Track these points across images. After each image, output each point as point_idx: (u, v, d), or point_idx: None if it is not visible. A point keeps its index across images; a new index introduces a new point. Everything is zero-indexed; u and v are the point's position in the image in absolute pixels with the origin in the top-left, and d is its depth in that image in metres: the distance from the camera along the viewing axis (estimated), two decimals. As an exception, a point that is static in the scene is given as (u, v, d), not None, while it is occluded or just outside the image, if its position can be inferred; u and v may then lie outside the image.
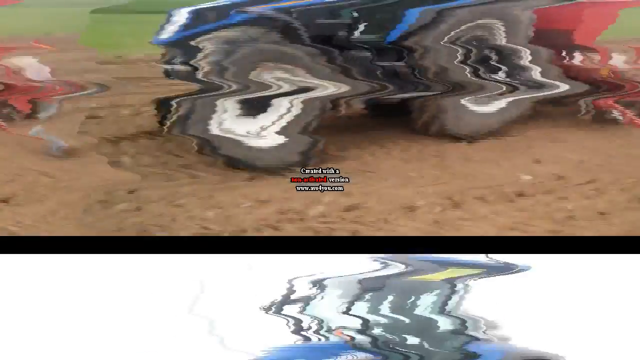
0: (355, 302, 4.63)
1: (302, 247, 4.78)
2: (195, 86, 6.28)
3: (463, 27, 6.94)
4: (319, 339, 4.65)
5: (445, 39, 6.89)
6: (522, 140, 7.20)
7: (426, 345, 4.59)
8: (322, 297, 4.66)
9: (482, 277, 4.68)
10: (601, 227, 5.24)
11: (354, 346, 4.59)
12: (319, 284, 4.70)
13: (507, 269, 4.74)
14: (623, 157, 6.74)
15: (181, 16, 6.69)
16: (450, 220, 5.30)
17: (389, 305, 4.65)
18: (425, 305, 4.71)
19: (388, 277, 4.65)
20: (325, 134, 6.57)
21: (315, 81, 6.35)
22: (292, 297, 4.60)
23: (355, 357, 4.58)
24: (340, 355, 4.56)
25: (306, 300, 4.63)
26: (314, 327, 4.62)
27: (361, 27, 6.61)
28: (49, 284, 4.47)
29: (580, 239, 5.07)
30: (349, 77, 6.53)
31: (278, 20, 6.40)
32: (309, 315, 4.60)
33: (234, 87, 6.13)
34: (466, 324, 4.68)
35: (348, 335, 4.65)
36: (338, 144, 6.91)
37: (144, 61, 10.17)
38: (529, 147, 7.01)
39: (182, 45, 6.43)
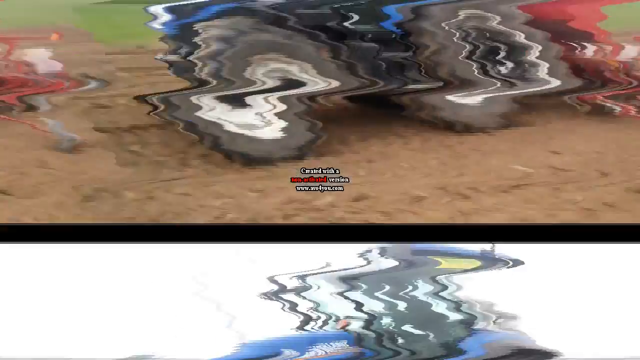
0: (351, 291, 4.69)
1: (308, 235, 4.83)
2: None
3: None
4: (320, 328, 4.73)
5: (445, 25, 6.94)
6: (529, 132, 7.20)
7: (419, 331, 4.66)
8: (319, 287, 4.74)
9: (476, 270, 4.78)
10: (613, 218, 5.31)
11: (354, 337, 4.68)
12: (321, 273, 4.79)
13: (500, 260, 4.80)
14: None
15: (158, 12, 6.71)
16: (459, 211, 5.36)
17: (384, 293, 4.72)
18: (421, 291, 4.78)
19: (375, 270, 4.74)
20: (328, 125, 6.59)
21: (305, 76, 6.41)
22: (288, 286, 4.68)
23: (336, 348, 4.65)
24: (321, 344, 4.64)
25: (304, 289, 4.73)
26: (315, 316, 4.71)
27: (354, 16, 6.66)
28: (60, 272, 4.53)
29: (581, 227, 5.12)
30: (345, 69, 6.58)
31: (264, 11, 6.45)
32: (309, 303, 4.68)
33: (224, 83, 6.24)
34: (460, 308, 4.76)
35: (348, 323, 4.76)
36: (342, 136, 6.94)
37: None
38: (544, 138, 7.02)
39: (179, 38, 6.51)
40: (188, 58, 6.31)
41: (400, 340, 4.67)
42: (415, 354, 4.61)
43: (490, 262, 4.79)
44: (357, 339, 4.63)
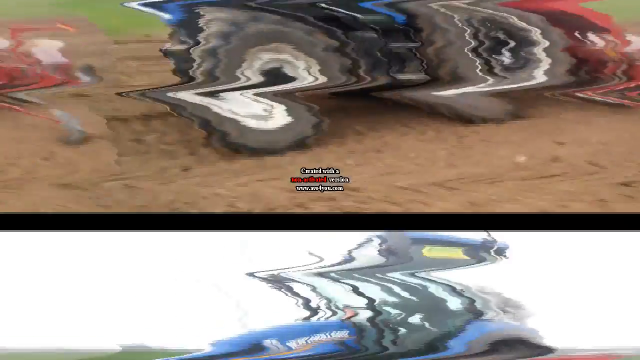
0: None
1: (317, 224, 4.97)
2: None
3: None
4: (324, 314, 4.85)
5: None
6: (539, 123, 7.27)
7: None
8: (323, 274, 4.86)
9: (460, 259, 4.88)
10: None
11: (354, 325, 4.79)
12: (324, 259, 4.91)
13: (486, 246, 4.89)
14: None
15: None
16: (464, 200, 5.45)
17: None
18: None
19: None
20: (335, 115, 6.71)
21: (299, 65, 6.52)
22: (294, 273, 4.81)
23: (331, 336, 4.76)
24: (317, 333, 4.75)
25: (305, 276, 4.85)
26: (318, 303, 4.83)
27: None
28: (62, 261, 4.64)
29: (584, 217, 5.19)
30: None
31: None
32: (311, 289, 4.82)
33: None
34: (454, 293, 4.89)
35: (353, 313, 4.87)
36: (350, 125, 7.06)
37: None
38: (552, 129, 7.08)
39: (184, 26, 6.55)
40: (190, 51, 6.32)
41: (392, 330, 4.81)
42: (397, 344, 4.74)
43: (475, 251, 4.89)
44: (357, 330, 4.75)
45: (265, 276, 4.74)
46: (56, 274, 4.61)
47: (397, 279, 4.85)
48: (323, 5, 6.65)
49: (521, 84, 7.29)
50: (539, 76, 7.31)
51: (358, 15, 6.78)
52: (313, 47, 6.46)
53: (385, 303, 4.83)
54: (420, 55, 6.97)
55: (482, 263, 4.87)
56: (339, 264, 4.79)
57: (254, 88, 6.37)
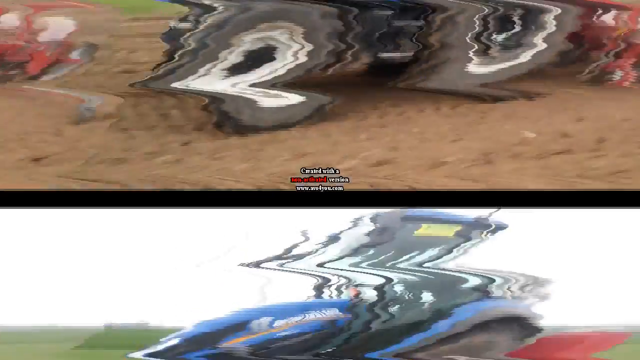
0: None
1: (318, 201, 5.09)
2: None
3: None
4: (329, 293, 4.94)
5: None
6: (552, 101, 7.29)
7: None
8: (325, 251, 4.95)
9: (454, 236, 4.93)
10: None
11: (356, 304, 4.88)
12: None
13: (483, 224, 4.94)
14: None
15: None
16: (480, 176, 5.44)
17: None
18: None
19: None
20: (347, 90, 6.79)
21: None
22: (294, 251, 4.90)
23: (324, 314, 4.84)
24: (310, 312, 4.84)
25: (306, 254, 4.95)
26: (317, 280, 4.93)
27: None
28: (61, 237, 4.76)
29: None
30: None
31: None
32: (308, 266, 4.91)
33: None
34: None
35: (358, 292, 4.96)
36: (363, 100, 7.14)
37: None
38: (566, 106, 7.08)
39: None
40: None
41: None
42: (386, 322, 4.83)
43: (471, 228, 4.94)
44: (350, 307, 4.83)
45: (269, 256, 4.86)
46: (46, 249, 4.77)
47: (405, 259, 4.97)
48: None
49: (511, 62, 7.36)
50: (529, 56, 7.37)
51: None
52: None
53: (391, 282, 4.93)
54: (420, 36, 7.04)
55: (479, 241, 4.96)
56: (325, 243, 4.90)
57: (236, 69, 6.45)
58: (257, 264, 4.86)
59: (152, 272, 4.79)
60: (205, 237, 4.81)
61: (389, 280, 4.93)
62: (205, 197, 5.13)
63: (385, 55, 7.04)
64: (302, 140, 6.16)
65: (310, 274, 4.95)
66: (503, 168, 5.56)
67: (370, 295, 4.92)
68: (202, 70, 6.33)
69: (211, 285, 4.75)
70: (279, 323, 4.76)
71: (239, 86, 6.42)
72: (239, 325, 4.78)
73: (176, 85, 6.30)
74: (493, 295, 4.98)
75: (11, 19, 7.31)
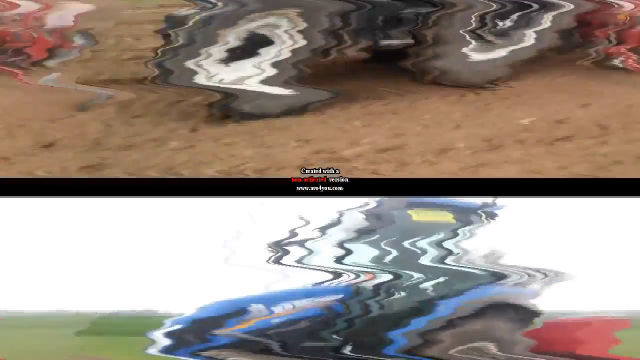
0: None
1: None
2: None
3: None
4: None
5: None
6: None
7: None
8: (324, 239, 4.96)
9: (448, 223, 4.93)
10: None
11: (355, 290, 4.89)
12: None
13: (475, 209, 4.93)
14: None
15: None
16: (484, 163, 5.43)
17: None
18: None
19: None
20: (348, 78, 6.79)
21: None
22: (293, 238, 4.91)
23: (319, 300, 4.85)
24: (310, 298, 4.85)
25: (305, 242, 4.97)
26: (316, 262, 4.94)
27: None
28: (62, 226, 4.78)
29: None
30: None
31: None
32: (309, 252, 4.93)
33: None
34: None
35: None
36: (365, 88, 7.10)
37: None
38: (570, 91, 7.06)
39: None
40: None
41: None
42: (384, 308, 4.83)
43: (465, 215, 4.94)
44: (355, 292, 4.84)
45: (270, 242, 4.87)
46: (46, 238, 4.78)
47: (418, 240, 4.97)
48: None
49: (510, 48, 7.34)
50: (529, 39, 7.35)
51: None
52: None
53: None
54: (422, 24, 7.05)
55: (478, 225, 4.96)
56: (325, 229, 4.91)
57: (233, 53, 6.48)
58: (258, 250, 4.85)
59: (153, 260, 4.79)
60: (202, 226, 4.81)
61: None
62: (202, 186, 5.13)
63: (387, 42, 7.03)
64: (306, 127, 6.16)
65: (311, 261, 4.94)
66: (509, 155, 5.54)
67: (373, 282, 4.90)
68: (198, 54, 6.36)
69: (210, 273, 4.74)
70: (279, 308, 4.76)
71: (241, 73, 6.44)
72: (237, 312, 4.78)
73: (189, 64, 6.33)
74: (498, 282, 4.97)
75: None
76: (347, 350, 4.79)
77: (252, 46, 6.53)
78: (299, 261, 4.95)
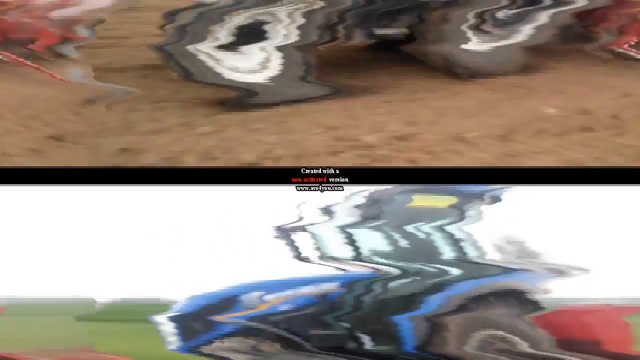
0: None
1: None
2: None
3: None
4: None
5: None
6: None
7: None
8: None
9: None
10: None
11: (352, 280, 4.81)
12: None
13: (479, 195, 4.85)
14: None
15: None
16: (502, 154, 5.44)
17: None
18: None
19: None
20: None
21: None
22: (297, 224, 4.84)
23: (318, 289, 4.78)
24: (305, 286, 4.78)
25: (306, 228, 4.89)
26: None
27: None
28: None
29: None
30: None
31: None
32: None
33: None
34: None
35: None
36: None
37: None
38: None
39: None
40: None
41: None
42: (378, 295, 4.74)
43: (466, 200, 4.85)
44: (349, 282, 4.77)
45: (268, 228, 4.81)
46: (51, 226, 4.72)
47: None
48: None
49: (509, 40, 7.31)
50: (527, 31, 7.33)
51: None
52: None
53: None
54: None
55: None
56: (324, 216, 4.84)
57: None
58: (255, 237, 4.78)
59: (155, 248, 4.75)
60: (206, 213, 4.76)
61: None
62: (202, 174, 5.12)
63: (391, 31, 7.03)
64: (324, 115, 6.16)
65: (309, 247, 4.86)
66: (525, 144, 5.55)
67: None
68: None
69: (208, 260, 4.70)
70: (272, 297, 4.70)
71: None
72: (229, 300, 4.72)
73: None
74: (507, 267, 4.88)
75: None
76: (359, 334, 4.72)
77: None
78: (304, 248, 4.88)
